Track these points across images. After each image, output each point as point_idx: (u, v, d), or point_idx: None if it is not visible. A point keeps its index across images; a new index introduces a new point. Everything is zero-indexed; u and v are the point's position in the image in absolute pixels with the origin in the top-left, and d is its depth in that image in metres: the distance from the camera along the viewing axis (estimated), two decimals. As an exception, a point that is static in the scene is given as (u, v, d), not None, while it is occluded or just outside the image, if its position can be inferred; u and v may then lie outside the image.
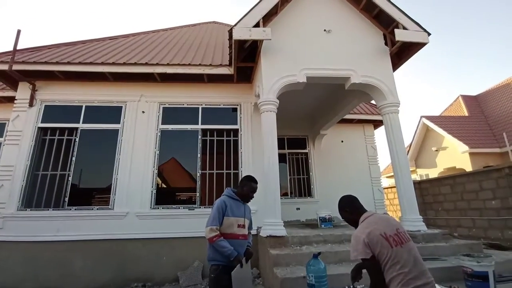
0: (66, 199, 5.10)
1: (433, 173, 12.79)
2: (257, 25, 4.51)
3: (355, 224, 1.89)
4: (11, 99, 5.85)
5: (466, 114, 13.70)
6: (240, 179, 5.38)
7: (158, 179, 5.57)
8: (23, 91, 5.53)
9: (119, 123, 5.56)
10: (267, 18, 4.75)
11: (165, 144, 5.62)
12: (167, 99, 5.81)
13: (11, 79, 5.49)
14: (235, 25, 4.48)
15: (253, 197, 2.63)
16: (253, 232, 2.78)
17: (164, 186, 6.50)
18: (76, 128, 5.50)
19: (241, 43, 4.66)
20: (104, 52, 6.25)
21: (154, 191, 5.27)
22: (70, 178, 5.22)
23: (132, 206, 5.08)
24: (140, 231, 4.94)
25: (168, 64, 5.51)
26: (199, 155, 5.56)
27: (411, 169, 5.08)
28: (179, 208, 5.26)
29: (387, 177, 17.07)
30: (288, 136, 7.81)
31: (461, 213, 6.85)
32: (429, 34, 4.76)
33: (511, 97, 12.75)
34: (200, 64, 5.56)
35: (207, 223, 2.36)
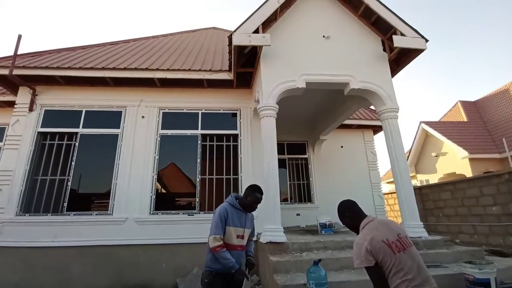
0: (65, 204, 5.07)
1: (433, 179, 12.76)
2: (256, 31, 4.55)
3: (356, 229, 1.87)
4: (11, 104, 5.86)
5: (465, 119, 13.74)
6: (239, 184, 5.42)
7: (158, 184, 5.55)
8: (23, 96, 5.55)
9: (119, 128, 5.56)
10: (267, 24, 4.79)
11: (164, 149, 5.61)
12: (167, 104, 5.82)
13: (12, 83, 5.51)
14: (235, 31, 4.52)
15: (257, 208, 2.55)
16: (253, 238, 2.74)
17: (164, 191, 6.47)
18: (76, 133, 5.49)
19: (240, 48, 4.69)
20: (105, 57, 6.29)
21: (154, 196, 5.24)
22: (69, 183, 5.20)
23: (131, 211, 5.05)
24: (139, 237, 4.90)
25: (168, 69, 5.54)
26: (198, 160, 5.55)
27: (411, 175, 5.07)
28: (179, 213, 5.23)
29: (387, 182, 17.03)
30: (288, 141, 7.81)
31: (462, 219, 6.80)
32: (427, 40, 4.80)
33: (510, 102, 12.80)
34: (200, 70, 5.59)
35: (210, 231, 2.34)
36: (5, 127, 6.18)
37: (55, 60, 5.82)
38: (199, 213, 5.24)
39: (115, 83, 5.65)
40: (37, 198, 5.13)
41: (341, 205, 2.01)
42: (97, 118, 5.64)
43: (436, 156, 12.77)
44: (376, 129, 8.37)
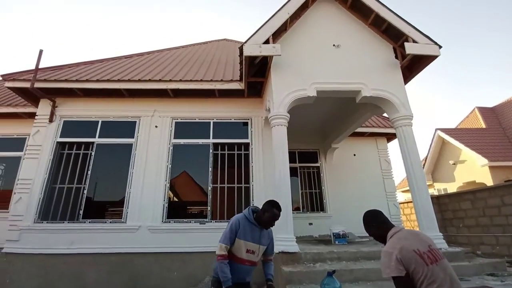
0: (81, 212, 5.19)
1: (452, 188, 12.31)
2: (267, 41, 4.62)
3: (383, 239, 1.81)
4: (31, 115, 6.12)
5: (484, 126, 13.28)
6: (251, 193, 5.41)
7: (170, 192, 5.61)
8: (43, 107, 5.80)
9: (133, 137, 5.70)
10: (277, 34, 4.86)
11: (177, 158, 5.69)
12: (180, 114, 5.94)
13: (32, 96, 5.78)
14: (246, 42, 4.60)
15: (274, 224, 2.41)
16: (272, 257, 2.57)
17: (176, 199, 6.52)
18: (92, 143, 5.67)
19: (251, 59, 4.76)
20: (120, 69, 6.52)
21: (166, 205, 5.29)
22: (85, 191, 5.34)
23: (144, 219, 5.11)
24: (151, 245, 4.94)
25: (180, 80, 5.67)
26: (210, 169, 5.59)
27: (428, 183, 4.89)
28: (191, 222, 5.25)
29: (402, 191, 16.54)
30: (299, 149, 7.77)
31: (483, 230, 6.50)
32: (440, 46, 4.73)
33: (530, 108, 12.30)
34: (211, 80, 5.69)
35: (220, 239, 2.34)
36: (26, 137, 6.45)
37: (74, 73, 6.08)
38: (211, 221, 5.24)
39: (130, 94, 5.84)
40: (55, 206, 5.28)
41: (367, 215, 1.95)
42: (112, 128, 5.81)
43: (454, 164, 12.34)
44: (390, 136, 8.21)
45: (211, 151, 5.71)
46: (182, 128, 5.89)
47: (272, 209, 2.36)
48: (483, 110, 14.57)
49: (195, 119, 5.96)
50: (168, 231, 5.08)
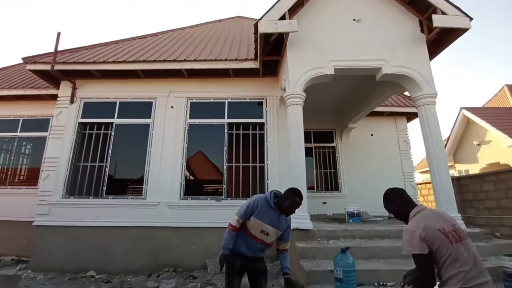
0: (104, 188, 5.48)
1: (474, 169, 11.87)
2: (282, 17, 4.43)
3: (404, 217, 1.79)
4: (53, 97, 6.34)
5: (513, 105, 12.48)
6: (266, 172, 5.46)
7: (186, 171, 5.77)
8: (64, 89, 5.98)
9: (150, 117, 5.82)
10: (293, 10, 4.65)
11: (192, 138, 5.79)
12: (195, 94, 5.96)
13: (53, 78, 5.95)
14: (261, 19, 4.44)
15: (294, 212, 2.39)
16: (287, 245, 2.53)
17: (192, 178, 6.73)
18: (112, 123, 5.84)
19: (266, 36, 4.62)
20: (135, 50, 6.54)
21: (183, 183, 5.47)
22: (107, 169, 5.59)
23: (163, 196, 5.33)
24: (170, 220, 5.19)
25: (195, 60, 5.64)
26: (225, 149, 5.66)
27: (448, 164, 4.75)
28: (207, 199, 5.43)
29: (421, 172, 16.16)
30: (315, 129, 7.66)
31: (504, 212, 6.30)
32: (471, 19, 4.36)
33: None
34: (226, 59, 5.62)
35: (237, 211, 2.42)
36: (49, 118, 6.72)
37: (91, 55, 6.18)
38: (226, 199, 5.39)
39: (145, 75, 5.89)
40: (80, 183, 5.59)
41: (390, 192, 1.92)
42: (130, 109, 5.95)
43: (478, 144, 11.81)
44: (410, 116, 7.90)
45: (226, 131, 5.75)
46: (198, 108, 5.93)
47: (294, 197, 2.31)
48: (514, 88, 13.63)
49: (210, 99, 5.97)
50: (185, 207, 5.29)
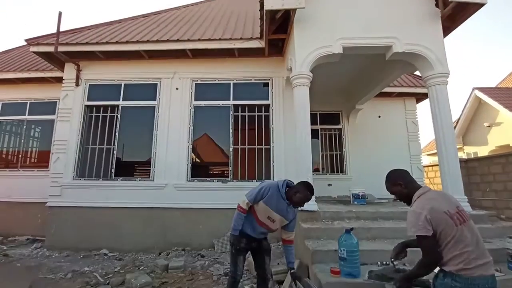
0: (113, 170, 5.59)
1: (483, 151, 11.68)
2: (289, -8, 4.23)
3: (408, 199, 1.79)
4: (59, 79, 6.33)
5: (528, 85, 12.01)
6: (271, 154, 5.47)
7: (192, 154, 5.81)
8: (69, 72, 5.96)
9: (155, 100, 5.80)
10: (301, -16, 4.42)
11: (198, 120, 5.78)
12: (199, 75, 5.87)
13: (57, 60, 5.91)
14: (267, -6, 4.25)
15: (303, 205, 2.43)
16: (292, 236, 2.56)
17: (198, 160, 6.78)
18: (117, 105, 5.85)
19: (272, 13, 4.44)
20: (139, 30, 6.39)
21: (190, 165, 5.53)
22: (115, 152, 5.67)
23: (170, 178, 5.42)
24: (178, 201, 5.30)
25: (199, 40, 5.50)
26: (231, 131, 5.66)
27: (457, 147, 4.67)
28: (213, 181, 5.51)
29: (428, 154, 15.99)
30: (321, 111, 7.55)
31: (511, 195, 6.26)
32: (489, -8, 4.10)
33: None
34: (230, 38, 5.47)
35: (246, 194, 2.45)
36: (56, 101, 6.75)
37: (94, 35, 6.07)
38: (232, 181, 5.45)
39: (149, 56, 5.80)
40: (89, 165, 5.71)
41: (394, 173, 1.90)
42: (135, 91, 5.93)
43: (489, 126, 11.52)
44: (420, 97, 7.69)
45: (231, 112, 5.72)
46: (203, 90, 5.87)
47: (305, 192, 2.34)
48: (531, 67, 13.04)
49: (214, 80, 5.88)
50: (192, 189, 5.39)
